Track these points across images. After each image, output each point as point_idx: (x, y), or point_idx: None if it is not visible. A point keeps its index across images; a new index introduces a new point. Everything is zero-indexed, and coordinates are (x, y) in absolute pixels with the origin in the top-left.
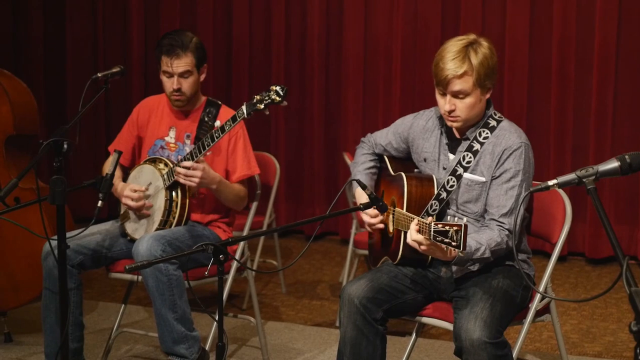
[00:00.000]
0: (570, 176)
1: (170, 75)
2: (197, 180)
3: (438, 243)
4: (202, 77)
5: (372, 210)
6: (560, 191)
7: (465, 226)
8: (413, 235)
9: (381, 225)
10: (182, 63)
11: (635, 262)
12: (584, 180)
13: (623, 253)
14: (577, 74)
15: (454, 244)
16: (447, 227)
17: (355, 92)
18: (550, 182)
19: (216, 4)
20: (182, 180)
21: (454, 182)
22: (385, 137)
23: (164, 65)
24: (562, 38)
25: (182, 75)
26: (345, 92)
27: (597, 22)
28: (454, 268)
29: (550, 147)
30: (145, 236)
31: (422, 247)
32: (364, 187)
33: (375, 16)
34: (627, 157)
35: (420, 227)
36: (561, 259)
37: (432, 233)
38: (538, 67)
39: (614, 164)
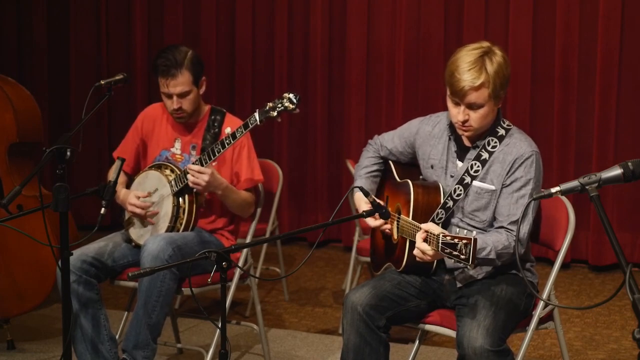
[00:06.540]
0: (573, 183)
1: (169, 95)
2: (204, 183)
3: (445, 255)
4: (202, 89)
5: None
6: (564, 198)
7: (475, 240)
8: (418, 244)
9: (387, 226)
10: (178, 83)
11: (638, 269)
12: (587, 187)
13: (626, 260)
14: (579, 81)
15: (462, 257)
16: (456, 240)
17: (358, 99)
18: (553, 190)
19: (219, 12)
20: (190, 183)
21: (461, 190)
22: (392, 141)
23: (161, 86)
24: (565, 45)
25: (180, 95)
26: (348, 98)
27: (599, 29)
28: (457, 276)
29: (553, 154)
30: (156, 236)
31: (427, 257)
32: (366, 194)
33: (378, 23)
34: (630, 164)
35: (427, 237)
36: (564, 266)
37: (440, 245)
38: (541, 74)
39: (617, 171)
